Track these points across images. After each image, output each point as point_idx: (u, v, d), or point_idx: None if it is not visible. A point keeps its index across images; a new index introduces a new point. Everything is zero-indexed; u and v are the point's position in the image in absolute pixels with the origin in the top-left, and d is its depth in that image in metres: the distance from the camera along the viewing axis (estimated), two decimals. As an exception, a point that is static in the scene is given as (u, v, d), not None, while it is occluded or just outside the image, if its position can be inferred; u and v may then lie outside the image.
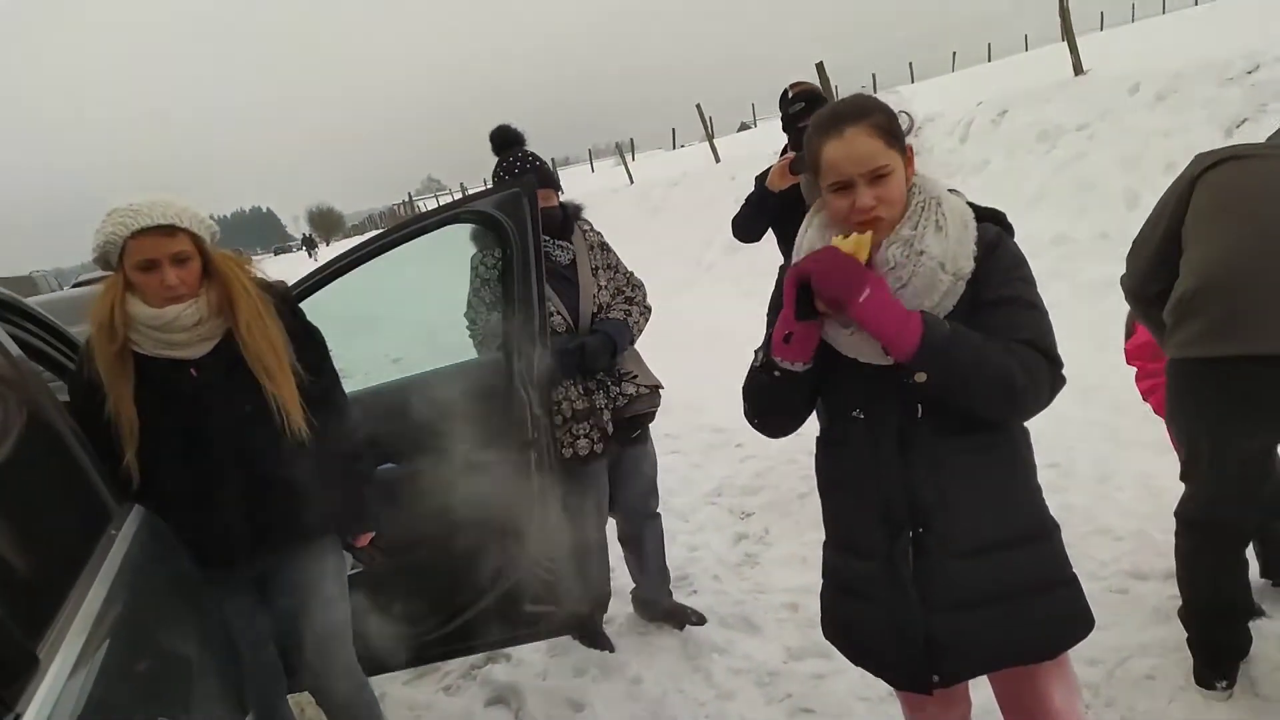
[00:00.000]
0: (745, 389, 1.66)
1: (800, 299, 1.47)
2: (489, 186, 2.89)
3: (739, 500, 4.29)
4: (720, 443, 5.21)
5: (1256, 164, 2.19)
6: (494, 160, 3.12)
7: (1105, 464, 3.50)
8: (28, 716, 0.96)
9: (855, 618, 1.63)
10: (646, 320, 3.13)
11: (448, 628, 2.65)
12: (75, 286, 13.98)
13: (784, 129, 4.11)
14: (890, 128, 1.49)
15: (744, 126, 30.47)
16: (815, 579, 3.18)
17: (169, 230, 1.91)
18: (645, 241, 13.38)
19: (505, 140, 3.10)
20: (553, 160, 26.57)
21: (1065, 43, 9.04)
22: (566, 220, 3.07)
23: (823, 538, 1.74)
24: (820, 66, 10.57)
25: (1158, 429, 3.95)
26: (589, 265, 3.06)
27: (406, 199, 38.13)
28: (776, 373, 1.53)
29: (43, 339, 2.19)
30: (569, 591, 2.76)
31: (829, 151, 1.48)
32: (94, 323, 1.93)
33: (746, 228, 4.09)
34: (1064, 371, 1.50)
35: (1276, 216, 2.09)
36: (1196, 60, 7.17)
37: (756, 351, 1.62)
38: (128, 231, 1.89)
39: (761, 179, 3.91)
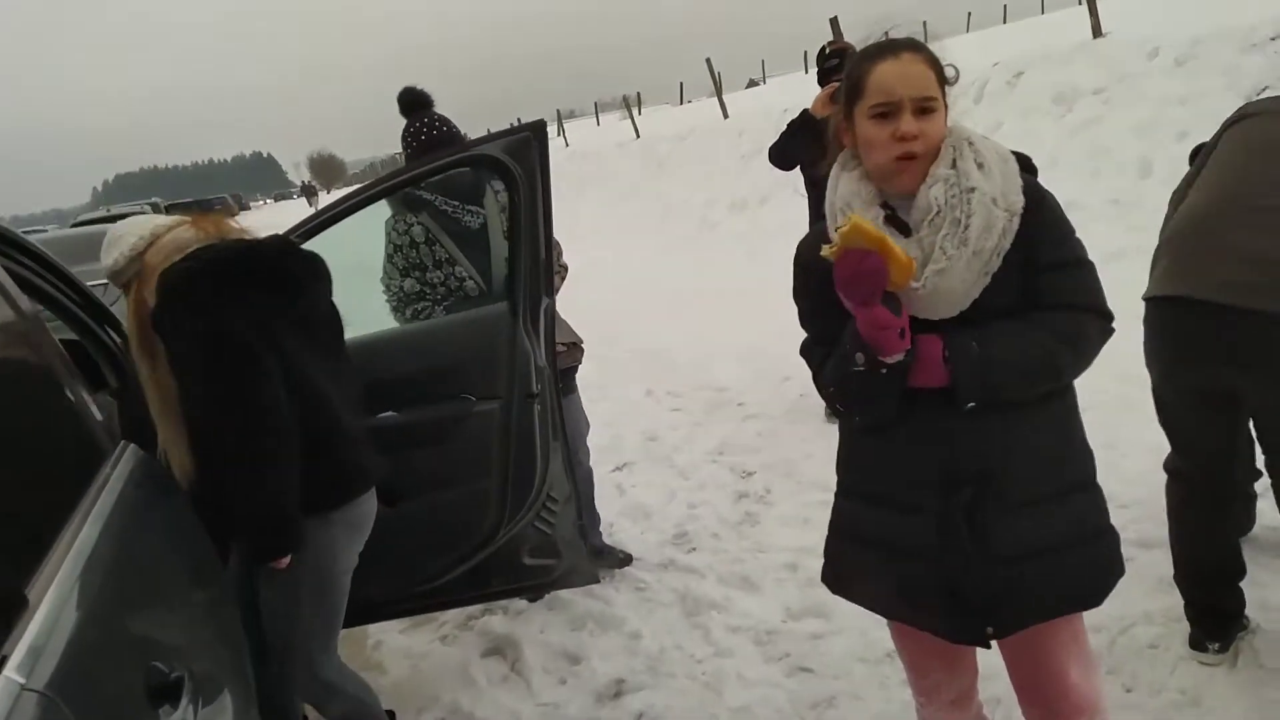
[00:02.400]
0: (840, 395, 1.53)
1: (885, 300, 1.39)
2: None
3: (741, 459, 4.27)
4: (722, 402, 5.18)
5: (1268, 121, 2.18)
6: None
7: (1112, 431, 3.46)
8: (14, 658, 0.92)
9: (886, 574, 1.58)
10: (562, 279, 3.13)
11: (446, 577, 2.63)
12: (74, 226, 13.85)
13: (820, 83, 4.37)
14: (940, 68, 1.43)
15: (752, 83, 30.06)
16: (816, 539, 3.15)
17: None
18: (649, 197, 13.26)
19: (413, 102, 3.07)
20: (558, 112, 26.23)
21: (1084, 4, 8.84)
22: (478, 183, 2.99)
23: (825, 499, 1.69)
24: (834, 21, 10.35)
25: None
26: (500, 228, 2.97)
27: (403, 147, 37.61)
28: (884, 370, 1.43)
29: (39, 274, 2.14)
30: (569, 545, 2.75)
31: (880, 71, 1.41)
32: None
33: (783, 154, 4.37)
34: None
35: (1258, 172, 2.13)
36: (1218, 26, 7.00)
37: (831, 364, 1.51)
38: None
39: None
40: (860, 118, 1.44)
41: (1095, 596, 1.54)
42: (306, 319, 2.09)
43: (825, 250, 1.39)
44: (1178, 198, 2.36)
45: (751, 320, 6.43)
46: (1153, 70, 7.16)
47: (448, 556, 2.64)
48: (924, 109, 1.40)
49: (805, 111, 4.24)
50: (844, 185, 1.50)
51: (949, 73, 1.44)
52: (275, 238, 2.17)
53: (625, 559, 3.36)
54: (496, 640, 3.01)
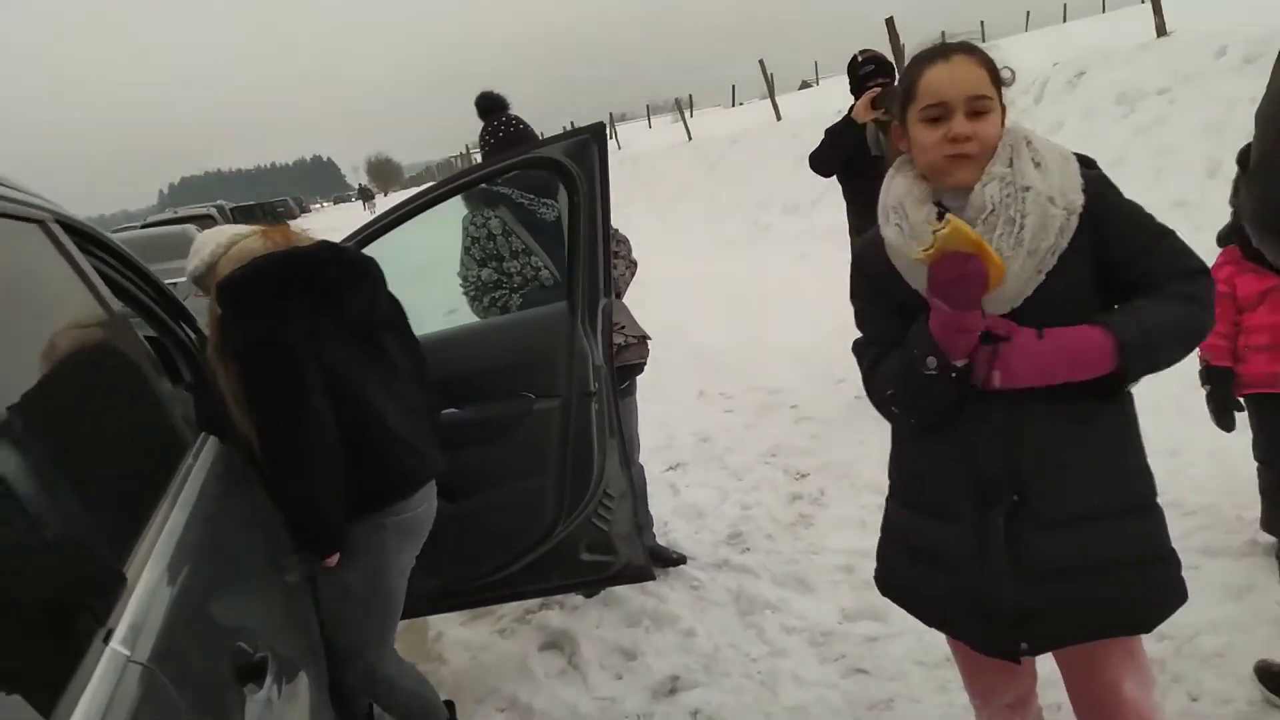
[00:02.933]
0: (904, 400, 1.51)
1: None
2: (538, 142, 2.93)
3: (794, 461, 4.26)
4: (774, 404, 5.18)
5: None
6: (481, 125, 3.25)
7: (1176, 438, 3.39)
8: (119, 632, 0.98)
9: (929, 581, 1.58)
10: (633, 273, 3.30)
11: (505, 572, 2.68)
12: (145, 227, 14.31)
13: (852, 91, 4.35)
14: (994, 69, 1.43)
15: (805, 85, 29.83)
16: (871, 542, 3.15)
17: None
18: (702, 199, 13.26)
19: (490, 105, 3.24)
20: (610, 115, 26.33)
21: (1148, 3, 8.64)
22: (553, 179, 3.08)
23: (880, 501, 1.69)
24: (890, 22, 10.26)
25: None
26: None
27: (463, 151, 38.21)
28: (954, 373, 1.43)
29: (122, 272, 2.23)
30: (625, 541, 2.78)
31: (931, 74, 1.42)
32: None
33: (823, 160, 4.40)
34: None
35: None
36: (1292, 21, 6.80)
37: (894, 367, 1.50)
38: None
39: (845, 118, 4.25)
40: (913, 121, 1.45)
41: (1144, 623, 1.50)
42: (355, 323, 2.14)
43: (919, 253, 1.39)
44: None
45: (804, 323, 6.41)
46: (1221, 69, 6.97)
47: (507, 551, 2.69)
48: (977, 110, 1.40)
49: (847, 116, 4.22)
50: (897, 185, 1.51)
51: (1005, 74, 1.44)
52: (322, 243, 2.21)
53: (679, 558, 3.38)
54: (554, 634, 3.05)
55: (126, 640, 0.98)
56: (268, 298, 1.98)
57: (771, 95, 14.97)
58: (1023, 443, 1.44)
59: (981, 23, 27.74)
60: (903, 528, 1.63)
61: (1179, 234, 1.47)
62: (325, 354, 2.01)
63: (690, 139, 16.09)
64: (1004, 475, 1.45)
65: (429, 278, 3.48)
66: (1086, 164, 1.48)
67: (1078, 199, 1.41)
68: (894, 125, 1.52)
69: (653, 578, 2.91)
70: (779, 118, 13.99)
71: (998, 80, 1.43)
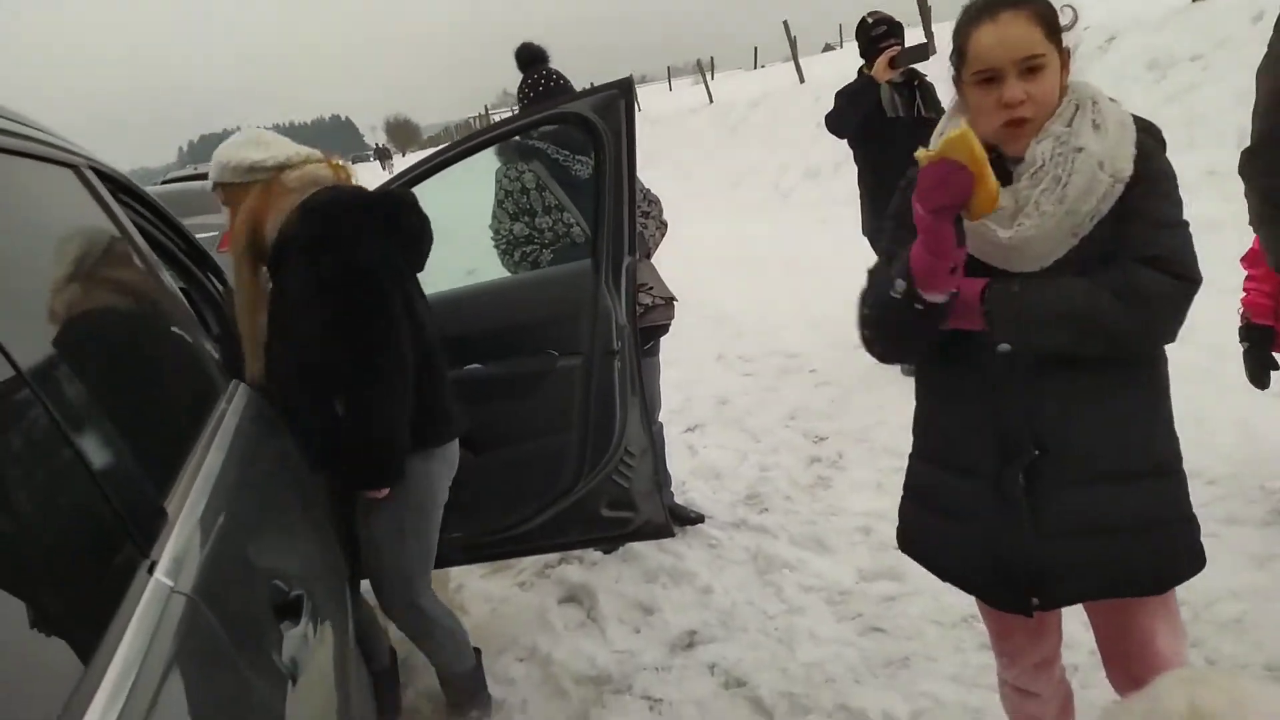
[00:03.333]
0: (873, 320, 1.50)
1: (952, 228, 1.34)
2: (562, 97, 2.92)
3: (813, 424, 4.26)
4: (794, 368, 5.17)
5: None
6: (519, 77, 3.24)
7: (1202, 407, 3.37)
8: (162, 564, 1.00)
9: (945, 535, 1.59)
10: (663, 234, 3.30)
11: (526, 526, 2.71)
12: (165, 183, 14.35)
13: (862, 54, 4.32)
14: (1049, 18, 1.37)
15: (829, 47, 29.42)
16: (889, 505, 3.16)
17: None
18: (722, 162, 13.17)
19: (530, 57, 3.21)
20: (630, 77, 26.00)
21: (1185, -35, 8.42)
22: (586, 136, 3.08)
23: (899, 465, 1.69)
24: (917, -16, 10.09)
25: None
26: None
27: (482, 112, 37.96)
28: (919, 305, 1.39)
29: (154, 224, 2.25)
30: (645, 499, 2.80)
31: (979, 36, 1.38)
32: None
33: (840, 120, 4.36)
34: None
35: None
36: (1333, -14, 6.63)
37: (876, 283, 1.48)
38: None
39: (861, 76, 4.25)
40: (967, 84, 1.42)
41: (1158, 585, 1.50)
42: (418, 268, 2.24)
43: (921, 153, 1.36)
44: None
45: (824, 287, 6.38)
46: (1258, 35, 6.81)
47: (528, 505, 2.72)
48: (1030, 68, 1.36)
49: (866, 77, 4.17)
50: (952, 126, 1.47)
51: (1065, 15, 1.39)
52: (401, 189, 2.34)
53: (698, 517, 3.41)
54: (573, 588, 3.09)
55: (170, 572, 1.00)
56: (367, 227, 2.05)
57: (794, 57, 14.77)
58: (1044, 404, 1.43)
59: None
60: (924, 484, 1.64)
61: (1189, 234, 1.40)
62: (405, 289, 2.11)
63: (711, 101, 15.93)
64: (1025, 433, 1.44)
65: (450, 238, 3.49)
66: (1146, 126, 1.44)
67: (1127, 169, 1.37)
68: (955, 78, 1.47)
69: (672, 535, 2.94)
70: (802, 80, 13.81)
71: (1055, 30, 1.38)
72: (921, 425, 1.64)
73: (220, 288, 2.62)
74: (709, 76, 19.09)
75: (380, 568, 2.24)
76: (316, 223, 2.02)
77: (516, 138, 3.14)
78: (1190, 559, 1.50)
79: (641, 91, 24.58)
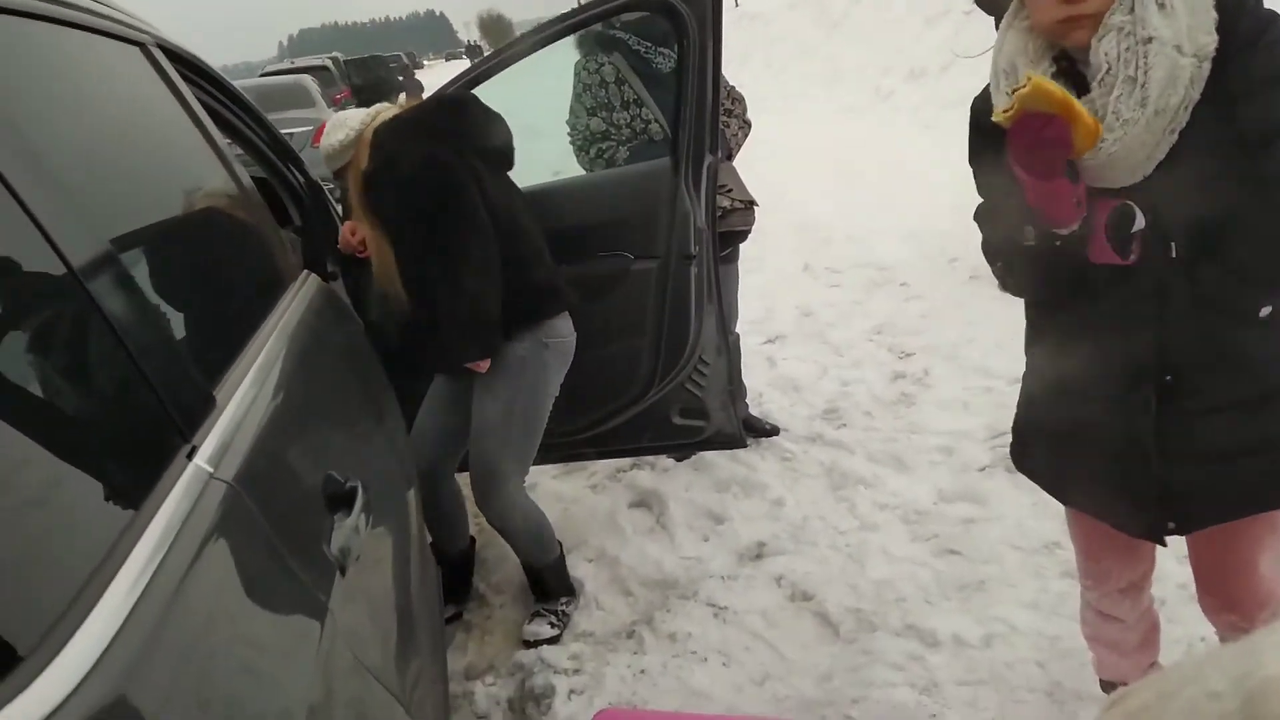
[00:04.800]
0: (1010, 270, 1.44)
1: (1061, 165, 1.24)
2: None
3: (900, 340, 4.11)
4: (883, 280, 4.98)
5: None
6: None
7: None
8: (203, 449, 0.99)
9: (1069, 458, 1.50)
10: (746, 135, 3.14)
11: (600, 429, 2.69)
12: (263, 76, 14.53)
13: None
14: None
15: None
16: (975, 425, 3.04)
17: None
18: (821, 61, 12.61)
19: None
20: (729, -28, 24.93)
21: None
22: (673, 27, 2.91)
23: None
24: None
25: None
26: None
27: (577, 4, 37.09)
28: (1058, 242, 1.31)
29: (236, 114, 2.23)
30: (718, 408, 2.74)
31: None
32: None
33: None
34: None
35: None
36: None
37: (997, 234, 1.40)
38: None
39: None
40: None
41: None
42: (497, 155, 2.35)
43: (998, 115, 1.25)
44: None
45: (921, 197, 6.08)
46: None
47: (602, 409, 2.69)
48: None
49: None
50: (1010, 41, 1.33)
51: None
52: (459, 90, 2.51)
53: (772, 429, 3.34)
54: (643, 494, 3.09)
55: (212, 458, 0.98)
56: (426, 129, 2.28)
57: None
58: (1171, 328, 1.32)
59: None
60: (1045, 404, 1.53)
61: None
62: (480, 178, 2.24)
63: (814, -5, 15.16)
64: (1154, 359, 1.34)
65: (537, 135, 3.41)
66: None
67: (1210, 41, 1.19)
68: None
69: (744, 445, 2.88)
70: (911, -25, 12.98)
71: None
72: (1039, 345, 1.53)
73: (302, 179, 2.62)
74: (812, -29, 18.12)
75: (483, 451, 2.34)
76: (388, 135, 2.27)
77: (597, 27, 3.01)
78: None
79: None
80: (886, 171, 7.42)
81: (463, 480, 2.59)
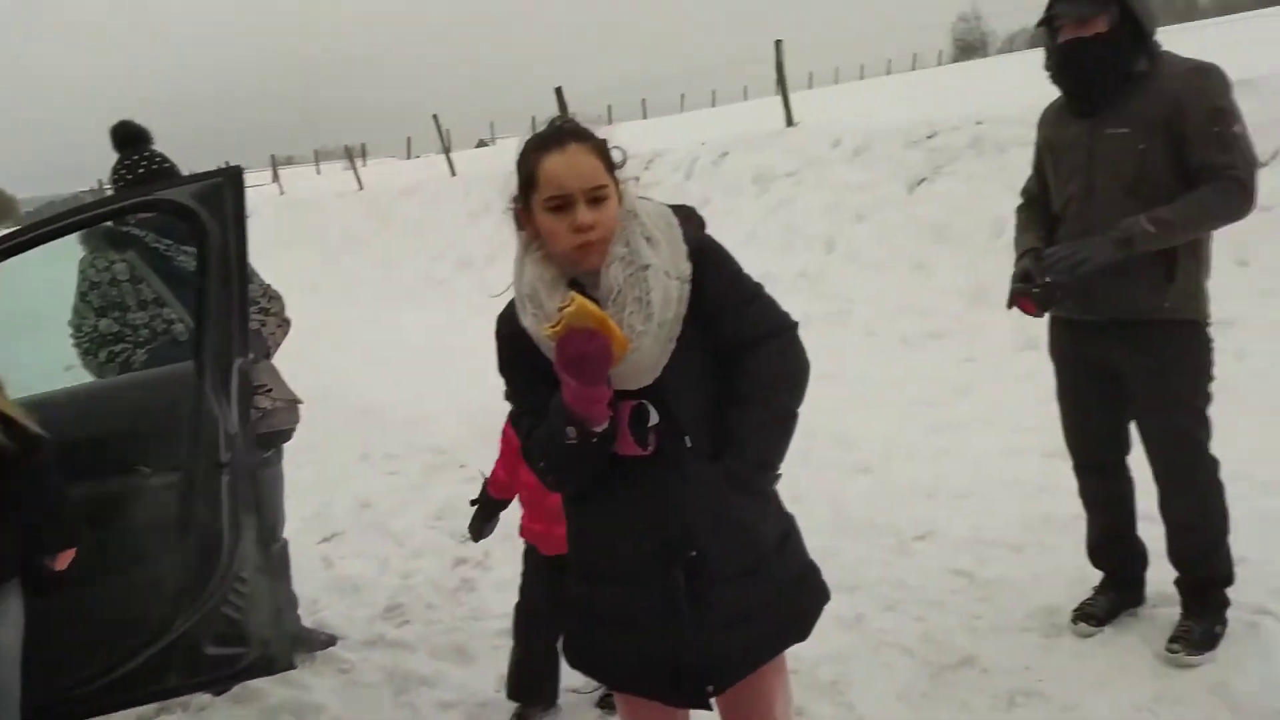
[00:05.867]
0: (554, 467, 1.55)
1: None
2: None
3: (461, 523, 4.07)
4: (442, 464, 5.04)
5: None
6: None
7: (800, 488, 3.77)
8: None
9: (614, 645, 1.62)
10: (285, 332, 3.08)
11: (107, 678, 2.30)
12: None
13: None
14: (607, 153, 1.50)
15: (482, 144, 30.27)
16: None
17: None
18: (374, 250, 12.85)
19: (128, 137, 2.93)
20: (272, 158, 24.81)
21: (780, 96, 9.83)
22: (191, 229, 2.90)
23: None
24: (559, 91, 10.74)
25: (843, 449, 4.29)
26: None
27: (96, 186, 33.93)
28: (594, 439, 1.47)
29: None
30: (260, 629, 2.50)
31: (550, 164, 1.46)
32: None
33: None
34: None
35: None
36: (887, 123, 8.06)
37: (541, 438, 1.53)
38: None
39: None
40: (537, 209, 1.49)
41: (805, 631, 1.67)
42: None
43: (546, 330, 1.43)
44: None
45: (475, 379, 6.28)
46: (836, 157, 8.06)
47: (112, 653, 2.31)
48: (596, 198, 1.47)
49: None
50: (529, 271, 1.54)
51: (616, 155, 1.52)
52: None
53: (328, 640, 3.12)
54: (172, 744, 2.67)
55: None
56: None
57: (446, 151, 14.98)
58: (693, 503, 1.53)
59: (643, 100, 29.94)
60: (588, 599, 1.66)
61: (766, 292, 1.62)
62: None
63: (361, 188, 15.61)
64: (681, 534, 1.53)
65: (41, 327, 3.01)
66: (687, 214, 1.60)
67: (687, 267, 1.52)
68: (518, 209, 1.55)
69: (293, 666, 2.65)
70: (454, 173, 14.01)
71: (611, 165, 1.50)
72: (580, 541, 1.68)
73: None
74: (360, 163, 18.75)
75: None
76: None
77: (108, 225, 2.80)
78: (822, 594, 1.70)
79: (286, 174, 23.52)
80: (441, 355, 7.65)
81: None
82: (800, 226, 7.55)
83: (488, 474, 2.72)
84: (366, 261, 12.56)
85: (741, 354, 1.55)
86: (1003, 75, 10.96)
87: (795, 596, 1.65)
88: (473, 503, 2.74)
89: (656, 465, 1.52)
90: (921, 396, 4.88)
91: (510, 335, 1.58)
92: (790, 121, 9.43)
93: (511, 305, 1.60)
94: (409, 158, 25.63)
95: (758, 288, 1.60)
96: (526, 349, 1.53)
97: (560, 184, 1.45)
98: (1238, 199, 2.24)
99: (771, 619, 1.60)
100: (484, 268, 10.41)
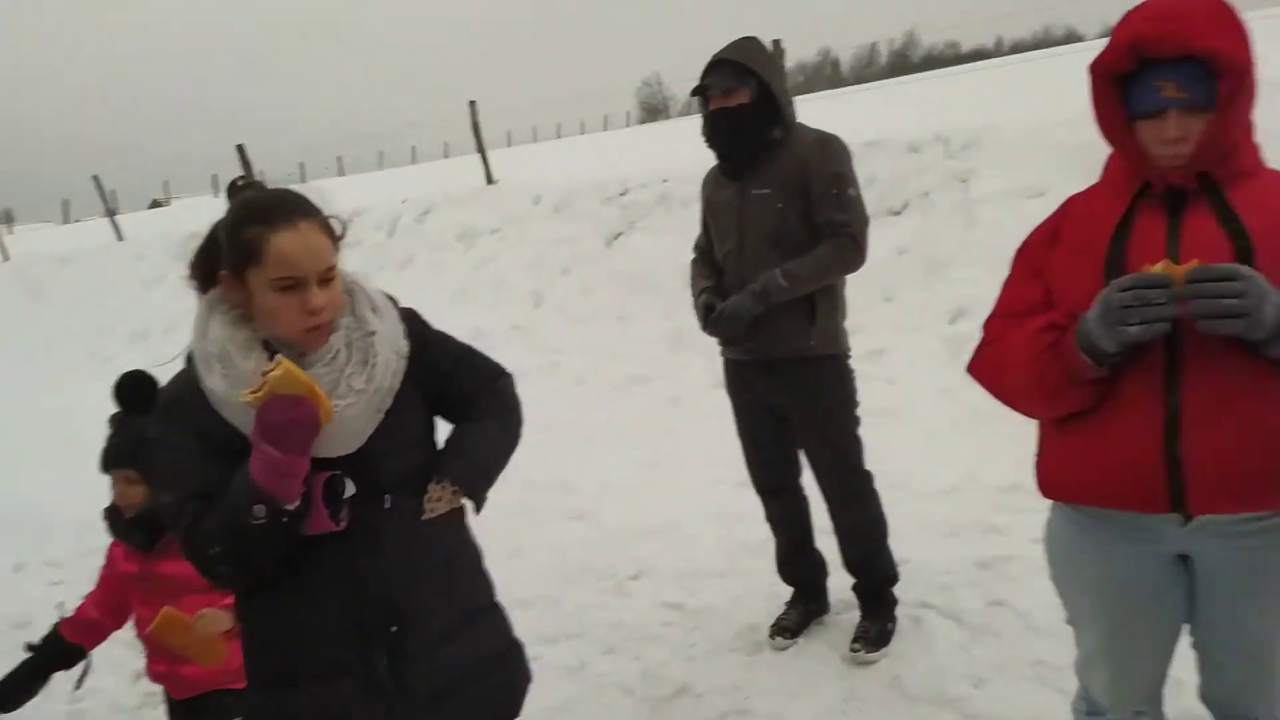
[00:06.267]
0: (232, 554, 1.38)
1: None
2: None
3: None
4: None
5: None
6: None
7: (518, 539, 3.77)
8: None
9: None
10: None
11: None
12: None
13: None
14: (333, 230, 1.45)
15: (157, 204, 27.70)
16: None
17: None
18: (26, 328, 11.24)
19: None
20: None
21: (479, 154, 9.94)
22: None
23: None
24: (241, 149, 10.12)
25: (560, 495, 4.31)
26: None
27: None
28: (284, 518, 1.35)
29: None
30: None
31: (282, 243, 1.36)
32: None
33: None
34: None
35: None
36: (585, 180, 8.41)
37: (218, 524, 1.37)
38: None
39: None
40: (258, 284, 1.39)
41: (514, 707, 1.63)
42: None
43: (246, 396, 1.32)
44: None
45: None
46: (537, 214, 8.27)
47: None
48: (326, 279, 1.42)
49: None
50: (216, 330, 1.42)
51: (336, 226, 1.47)
52: None
53: None
54: None
55: None
56: None
57: (110, 213, 13.49)
58: (391, 566, 1.46)
59: (339, 158, 29.04)
60: (276, 708, 1.49)
61: (479, 349, 1.67)
62: None
63: (7, 259, 13.67)
64: (381, 610, 1.45)
65: None
66: (393, 301, 1.57)
67: (405, 344, 1.50)
68: (222, 274, 1.43)
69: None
70: (121, 238, 12.67)
71: (337, 241, 1.45)
72: (260, 645, 1.51)
73: None
74: (4, 230, 16.40)
75: None
76: None
77: None
78: (525, 676, 1.67)
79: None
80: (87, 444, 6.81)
81: None
82: (507, 282, 7.65)
83: (68, 611, 2.18)
84: (27, 342, 10.96)
85: (470, 403, 1.60)
86: (684, 136, 11.71)
87: (501, 669, 1.61)
88: (29, 648, 2.15)
89: (347, 538, 1.43)
90: (631, 439, 5.08)
91: (178, 406, 1.43)
92: (490, 179, 9.56)
93: (179, 376, 1.47)
94: (67, 222, 22.83)
95: (468, 345, 1.65)
96: (203, 419, 1.39)
97: (295, 266, 1.37)
98: (851, 253, 2.60)
99: (477, 693, 1.55)
100: (162, 338, 9.47)
